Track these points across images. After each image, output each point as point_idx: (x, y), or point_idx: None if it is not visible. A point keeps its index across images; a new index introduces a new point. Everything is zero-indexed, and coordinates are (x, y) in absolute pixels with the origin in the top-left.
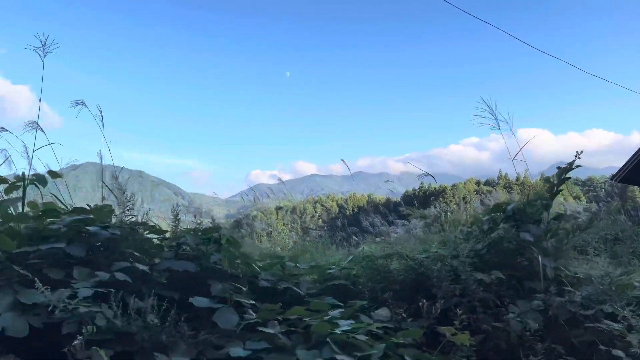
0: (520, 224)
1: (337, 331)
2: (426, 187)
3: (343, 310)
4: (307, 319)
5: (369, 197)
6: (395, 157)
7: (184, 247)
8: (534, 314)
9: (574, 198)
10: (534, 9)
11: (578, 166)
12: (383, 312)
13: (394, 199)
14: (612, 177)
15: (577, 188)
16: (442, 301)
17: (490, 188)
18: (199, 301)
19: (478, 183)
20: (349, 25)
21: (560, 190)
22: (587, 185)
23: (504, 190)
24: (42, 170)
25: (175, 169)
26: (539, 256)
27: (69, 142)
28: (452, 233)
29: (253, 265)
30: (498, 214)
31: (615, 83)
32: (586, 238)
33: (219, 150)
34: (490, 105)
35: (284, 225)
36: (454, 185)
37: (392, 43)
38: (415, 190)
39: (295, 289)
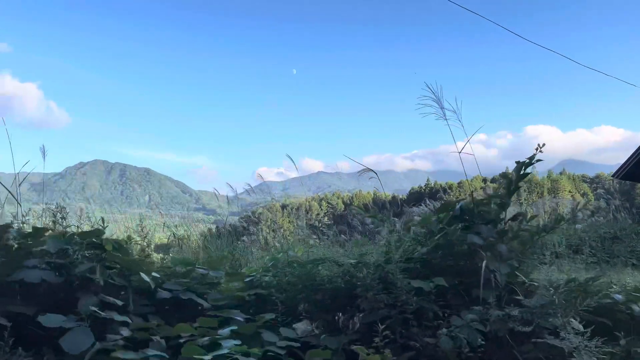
0: (472, 225)
1: (207, 357)
2: (432, 185)
3: (236, 327)
4: (197, 338)
5: (374, 194)
6: (402, 154)
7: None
8: (469, 329)
9: (582, 195)
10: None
11: (539, 160)
12: (302, 326)
13: (401, 197)
14: (614, 174)
15: (585, 185)
16: (363, 314)
17: (496, 185)
18: (50, 320)
19: (484, 180)
20: (356, 25)
21: (519, 187)
22: (596, 182)
23: None
24: (53, 169)
25: (182, 167)
26: (486, 261)
27: (78, 140)
28: (406, 235)
29: (142, 274)
30: (448, 213)
31: (621, 79)
32: (584, 237)
33: (226, 148)
34: (437, 93)
35: (289, 222)
36: (460, 183)
37: (400, 43)
38: (421, 187)
39: (198, 300)
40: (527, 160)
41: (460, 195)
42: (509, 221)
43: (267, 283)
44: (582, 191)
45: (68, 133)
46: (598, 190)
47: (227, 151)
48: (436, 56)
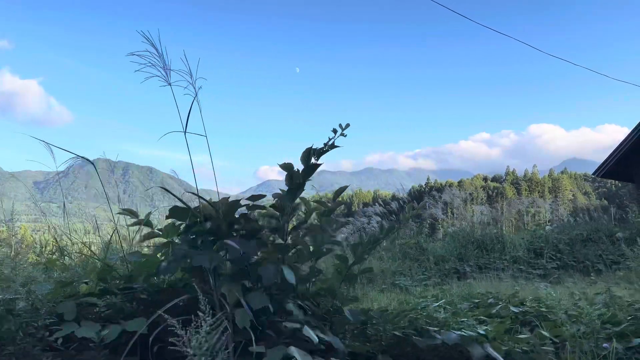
0: (221, 237)
1: None
2: (432, 183)
3: None
4: None
5: (375, 193)
6: (404, 152)
7: None
8: None
9: (584, 194)
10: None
11: (335, 146)
12: None
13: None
14: (595, 172)
15: (587, 184)
16: None
17: (497, 184)
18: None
19: (485, 179)
20: (361, 24)
21: (304, 183)
22: (598, 181)
23: (511, 186)
24: (53, 168)
25: (185, 165)
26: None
27: (81, 138)
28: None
29: None
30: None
31: (621, 80)
32: (553, 239)
33: (228, 146)
34: (159, 49)
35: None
36: (460, 181)
37: (405, 42)
38: (421, 186)
39: None
40: (318, 148)
41: (460, 193)
42: (292, 231)
43: None
44: (584, 190)
45: (70, 130)
46: (609, 190)
47: (229, 148)
48: (442, 55)
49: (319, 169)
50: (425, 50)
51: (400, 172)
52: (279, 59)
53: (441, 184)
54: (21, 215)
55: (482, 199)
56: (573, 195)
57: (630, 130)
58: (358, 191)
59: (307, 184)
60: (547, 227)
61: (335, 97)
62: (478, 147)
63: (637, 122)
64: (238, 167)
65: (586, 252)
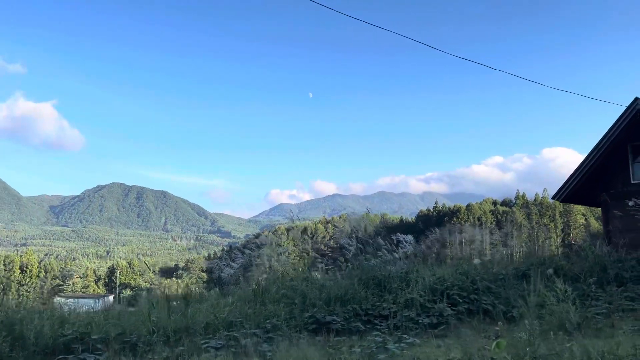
0: None
1: None
2: (440, 207)
3: None
4: None
5: (382, 217)
6: (416, 176)
7: None
8: None
9: (596, 219)
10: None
11: None
12: None
13: (408, 219)
14: (554, 197)
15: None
16: None
17: (507, 208)
18: None
19: (494, 203)
20: (371, 48)
21: None
22: None
23: (521, 210)
24: (72, 192)
25: (198, 188)
26: None
27: (96, 162)
28: None
29: None
30: None
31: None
32: (475, 277)
33: (239, 170)
34: None
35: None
36: (468, 205)
37: (412, 68)
38: (429, 210)
39: None
40: None
41: (469, 218)
42: None
43: None
44: (597, 215)
45: (85, 154)
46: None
47: (240, 173)
48: (452, 79)
49: (330, 193)
50: (435, 75)
51: (414, 195)
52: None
53: (449, 208)
54: (36, 239)
55: (491, 224)
56: (586, 219)
57: (589, 152)
58: (365, 215)
59: (321, 209)
60: (476, 261)
61: (345, 121)
62: (491, 171)
63: (595, 144)
64: (248, 190)
65: (514, 292)
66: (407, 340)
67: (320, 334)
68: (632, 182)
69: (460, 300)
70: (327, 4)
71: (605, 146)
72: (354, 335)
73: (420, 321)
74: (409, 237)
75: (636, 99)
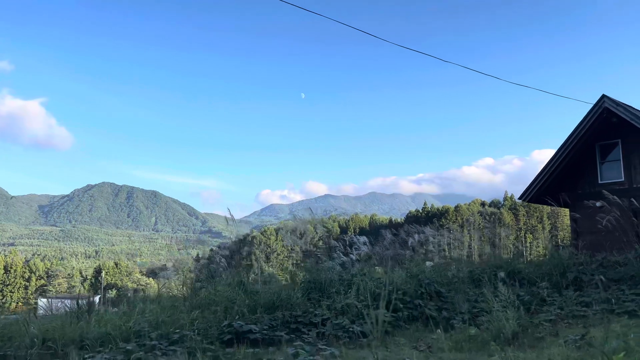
0: None
1: None
2: (429, 208)
3: None
4: None
5: (371, 217)
6: (407, 177)
7: None
8: None
9: None
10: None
11: None
12: None
13: (397, 220)
14: (521, 197)
15: None
16: None
17: (495, 209)
18: None
19: (483, 204)
20: (363, 46)
21: None
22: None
23: (509, 211)
24: (61, 191)
25: (189, 188)
26: None
27: (86, 161)
28: None
29: None
30: None
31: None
32: (423, 280)
33: (230, 170)
34: None
35: (283, 246)
36: (457, 206)
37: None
38: (418, 211)
39: None
40: None
41: (457, 218)
42: None
43: None
44: None
45: (75, 153)
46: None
47: (231, 173)
48: (442, 79)
49: (322, 193)
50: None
51: (405, 196)
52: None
53: (438, 209)
54: (24, 238)
55: (479, 225)
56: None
57: (555, 151)
58: (354, 216)
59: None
60: (428, 264)
61: (337, 121)
62: (481, 173)
63: (561, 144)
64: (240, 190)
65: (462, 297)
66: (326, 352)
67: (235, 345)
68: (600, 182)
69: (402, 306)
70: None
71: (571, 146)
72: (273, 346)
73: (351, 329)
74: (364, 239)
75: (603, 96)
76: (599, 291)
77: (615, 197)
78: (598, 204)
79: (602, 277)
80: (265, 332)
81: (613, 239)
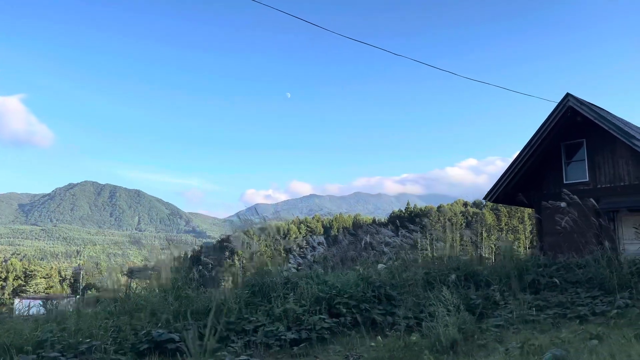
0: None
1: None
2: (412, 208)
3: None
4: None
5: (355, 217)
6: (391, 177)
7: None
8: None
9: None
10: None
11: None
12: None
13: (380, 219)
14: (486, 197)
15: None
16: None
17: (477, 210)
18: None
19: (465, 204)
20: (350, 46)
21: None
22: None
23: (491, 212)
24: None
25: (173, 188)
26: None
27: (68, 160)
28: None
29: None
30: None
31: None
32: (375, 282)
33: (214, 169)
34: None
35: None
36: (439, 207)
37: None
38: (401, 211)
39: None
40: None
41: (440, 218)
42: None
43: None
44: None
45: (56, 151)
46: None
47: (215, 172)
48: (428, 83)
49: (307, 193)
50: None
51: (390, 196)
52: (271, 82)
53: (421, 209)
54: (3, 237)
55: (461, 225)
56: None
57: (519, 151)
58: (338, 216)
59: (297, 209)
60: (380, 266)
61: (322, 121)
62: (465, 174)
63: (525, 143)
64: (224, 190)
65: (412, 301)
66: None
67: (150, 356)
68: (565, 182)
69: (345, 311)
70: None
71: (536, 145)
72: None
73: (284, 337)
74: (319, 239)
75: (567, 95)
76: (556, 294)
77: (575, 197)
78: (562, 204)
79: (556, 279)
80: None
81: (573, 241)
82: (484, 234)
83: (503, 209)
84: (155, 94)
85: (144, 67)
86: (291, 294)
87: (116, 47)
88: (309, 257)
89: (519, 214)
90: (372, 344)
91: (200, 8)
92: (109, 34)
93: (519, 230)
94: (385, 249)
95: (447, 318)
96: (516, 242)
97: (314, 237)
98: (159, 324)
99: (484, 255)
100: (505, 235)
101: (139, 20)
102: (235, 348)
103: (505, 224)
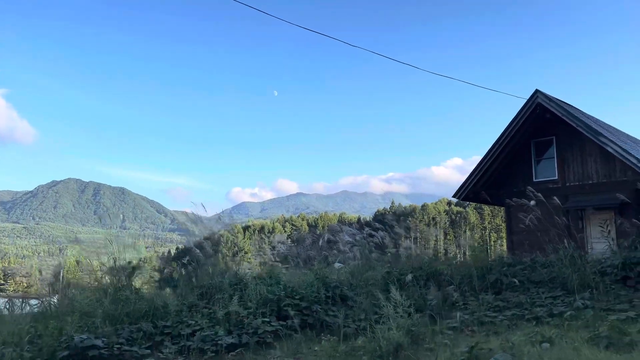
0: None
1: None
2: (397, 207)
3: None
4: None
5: (340, 216)
6: (378, 176)
7: None
8: None
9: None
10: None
11: None
12: None
13: (366, 217)
14: (455, 195)
15: None
16: None
17: (461, 209)
18: None
19: (449, 203)
20: (335, 44)
21: None
22: None
23: (474, 211)
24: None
25: (159, 186)
26: None
27: (51, 157)
28: None
29: None
30: None
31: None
32: (331, 282)
33: (200, 167)
34: None
35: (250, 245)
36: (424, 205)
37: (373, 68)
38: (386, 210)
39: None
40: None
41: (423, 217)
42: None
43: None
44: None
45: (39, 148)
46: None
47: (201, 170)
48: (414, 87)
49: (294, 191)
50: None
51: (376, 195)
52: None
53: (405, 208)
54: None
55: (445, 224)
56: None
57: (489, 148)
58: (323, 214)
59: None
60: (337, 265)
61: (308, 119)
62: (450, 173)
63: (495, 140)
64: (210, 188)
65: (368, 302)
66: None
67: None
68: (535, 180)
69: (294, 313)
70: None
71: (505, 143)
72: None
73: (220, 342)
74: (282, 238)
75: (536, 91)
76: (517, 295)
77: (540, 195)
78: (532, 202)
79: (518, 279)
80: (117, 346)
81: (537, 240)
82: (468, 233)
83: (486, 208)
84: (140, 91)
85: (128, 64)
86: (236, 295)
87: (99, 43)
88: (269, 255)
89: (501, 214)
90: (316, 348)
91: (184, 1)
92: (93, 30)
93: (502, 229)
94: (343, 248)
95: (394, 321)
96: (499, 241)
97: (276, 236)
98: (87, 329)
99: (448, 254)
100: (489, 234)
101: (123, 16)
102: (166, 354)
103: (489, 223)
